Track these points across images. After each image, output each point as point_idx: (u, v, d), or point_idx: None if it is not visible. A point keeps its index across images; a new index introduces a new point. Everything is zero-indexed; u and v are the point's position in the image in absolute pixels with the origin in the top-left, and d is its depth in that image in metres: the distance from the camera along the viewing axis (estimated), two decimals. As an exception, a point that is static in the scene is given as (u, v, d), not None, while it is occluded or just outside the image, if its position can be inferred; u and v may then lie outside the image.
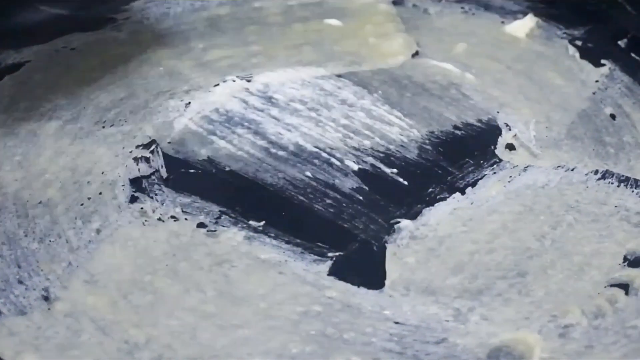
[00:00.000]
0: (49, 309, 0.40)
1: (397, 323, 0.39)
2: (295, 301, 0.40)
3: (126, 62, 0.56)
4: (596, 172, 0.47)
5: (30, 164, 0.48)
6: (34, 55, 0.56)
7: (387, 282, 0.41)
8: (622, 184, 0.46)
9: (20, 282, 0.41)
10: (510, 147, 0.48)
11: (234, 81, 0.54)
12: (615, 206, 0.45)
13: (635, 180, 0.46)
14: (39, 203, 0.45)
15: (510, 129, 0.49)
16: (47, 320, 0.40)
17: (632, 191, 0.46)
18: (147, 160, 0.48)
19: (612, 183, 0.46)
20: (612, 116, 0.50)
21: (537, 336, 0.38)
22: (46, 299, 0.40)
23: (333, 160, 0.48)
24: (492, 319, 0.39)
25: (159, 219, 0.44)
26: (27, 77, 0.54)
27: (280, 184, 0.46)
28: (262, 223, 0.44)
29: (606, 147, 0.48)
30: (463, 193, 0.46)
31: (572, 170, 0.47)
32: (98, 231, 0.44)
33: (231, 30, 0.59)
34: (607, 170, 0.47)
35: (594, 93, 0.52)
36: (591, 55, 0.55)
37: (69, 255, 0.43)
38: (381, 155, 0.48)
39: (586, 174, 0.47)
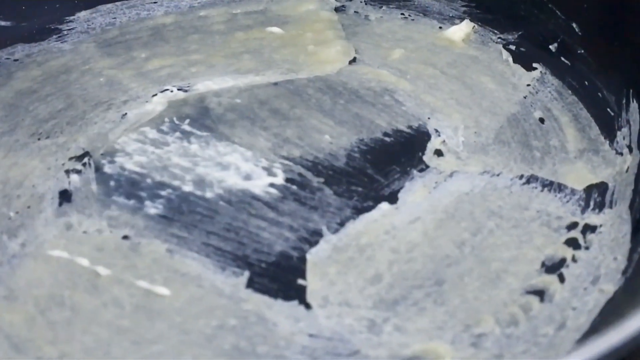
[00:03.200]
0: (-34, 326, 0.38)
1: (311, 336, 0.37)
2: (211, 314, 0.38)
3: (68, 73, 0.54)
4: (521, 176, 0.45)
5: (-37, 177, 0.46)
6: (-24, 68, 0.54)
7: (305, 294, 0.39)
8: (545, 189, 0.44)
9: (-60, 300, 0.39)
10: (439, 153, 0.46)
11: (172, 91, 0.52)
12: (537, 211, 0.43)
13: (559, 185, 0.44)
14: (-33, 217, 0.43)
15: (439, 135, 0.47)
16: (-36, 338, 0.38)
17: (555, 196, 0.44)
18: (78, 172, 0.46)
19: (536, 188, 0.44)
20: (541, 120, 0.49)
21: (448, 346, 0.36)
22: (-36, 316, 0.39)
23: (261, 169, 0.45)
24: (405, 329, 0.37)
25: (84, 232, 0.42)
26: (-33, 90, 0.52)
27: (207, 195, 0.44)
28: (185, 235, 0.42)
29: (532, 151, 0.47)
30: (387, 201, 0.43)
31: (498, 175, 0.45)
32: (23, 245, 0.42)
33: (174, 39, 0.57)
34: (532, 175, 0.45)
35: (524, 97, 0.50)
36: (523, 59, 0.53)
37: (-8, 270, 0.41)
38: (309, 164, 0.46)
39: (511, 179, 0.45)
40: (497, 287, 0.39)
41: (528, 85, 0.51)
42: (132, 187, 0.45)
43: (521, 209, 0.43)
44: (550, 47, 0.52)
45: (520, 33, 0.54)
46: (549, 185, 0.44)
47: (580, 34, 0.51)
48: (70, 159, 0.47)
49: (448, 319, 0.38)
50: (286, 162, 0.46)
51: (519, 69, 0.52)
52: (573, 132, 0.48)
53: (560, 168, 0.45)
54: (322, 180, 0.45)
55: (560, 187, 0.44)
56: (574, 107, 0.49)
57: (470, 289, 0.39)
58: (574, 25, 0.51)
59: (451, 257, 0.40)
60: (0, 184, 0.46)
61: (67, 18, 0.58)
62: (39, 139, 0.48)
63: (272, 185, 0.45)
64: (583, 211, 0.43)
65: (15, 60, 0.55)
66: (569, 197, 0.44)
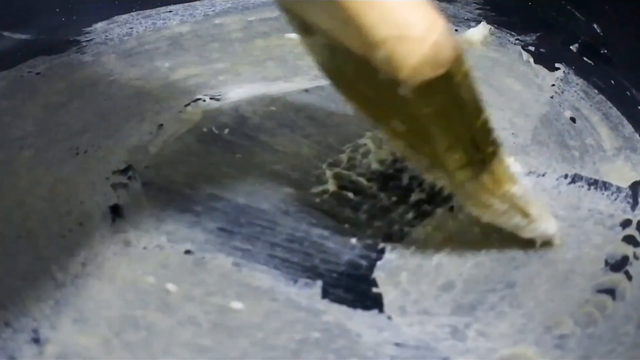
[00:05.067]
0: (40, 352, 0.35)
1: (397, 345, 0.35)
2: (292, 328, 0.36)
3: (93, 85, 0.51)
4: (566, 176, 0.44)
5: (6, 195, 0.42)
6: (0, 82, 0.50)
7: (382, 303, 0.37)
8: (592, 187, 0.43)
9: (7, 325, 0.36)
10: (482, 155, 0.44)
11: (204, 101, 0.49)
12: (589, 210, 0.42)
13: (604, 183, 0.43)
14: (19, 237, 0.40)
15: (478, 137, 0.46)
16: (39, 365, 0.35)
17: (602, 194, 0.43)
18: (124, 186, 0.43)
19: (582, 187, 0.43)
20: (572, 119, 0.47)
21: (535, 349, 0.35)
22: (36, 341, 0.35)
23: (311, 178, 0.43)
24: (488, 334, 0.36)
25: (144, 248, 0.40)
26: (-7, 105, 0.49)
27: (263, 207, 0.42)
28: (249, 248, 0.39)
29: (571, 150, 0.45)
30: (443, 206, 0.42)
31: (543, 175, 0.44)
32: (83, 265, 0.39)
33: (194, 48, 0.54)
34: (575, 174, 0.44)
35: (551, 97, 0.49)
36: (545, 60, 0.51)
37: (56, 292, 0.38)
38: (358, 170, 0.44)
39: (557, 179, 0.43)
40: (567, 287, 0.38)
41: (552, 85, 0.50)
42: (185, 200, 0.42)
43: (573, 208, 0.42)
44: (571, 47, 0.51)
45: (538, 34, 0.53)
46: (594, 184, 0.43)
47: (602, 34, 0.50)
48: (114, 172, 0.44)
49: (527, 322, 0.36)
50: (335, 169, 0.44)
51: (541, 69, 0.51)
52: (606, 130, 0.47)
53: (601, 167, 0.44)
54: (374, 186, 0.43)
55: (605, 185, 0.43)
56: (602, 106, 0.48)
57: (542, 290, 0.37)
58: (595, 26, 0.50)
59: (517, 260, 0.39)
60: (47, 201, 0.42)
61: (84, 29, 0.55)
62: (77, 154, 0.45)
63: (325, 193, 0.42)
64: (633, 208, 0.42)
65: (38, 73, 0.51)
66: (616, 195, 0.42)
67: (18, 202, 0.42)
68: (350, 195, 0.42)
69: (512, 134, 0.46)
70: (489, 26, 0.54)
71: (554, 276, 0.38)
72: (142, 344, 0.35)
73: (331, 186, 0.43)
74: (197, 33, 0.56)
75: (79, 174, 0.44)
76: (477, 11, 0.55)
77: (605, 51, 0.49)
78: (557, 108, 0.48)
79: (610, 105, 0.48)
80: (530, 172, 0.44)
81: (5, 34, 0.53)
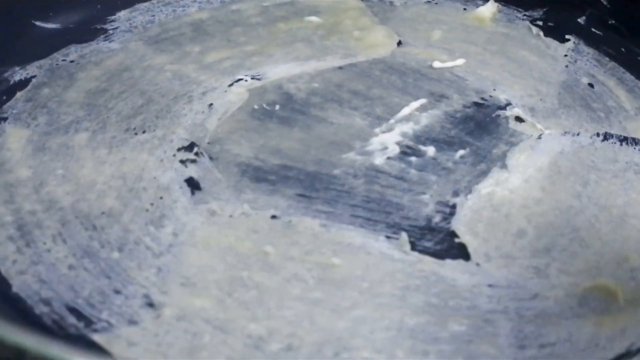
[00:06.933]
0: (158, 315, 0.37)
1: (490, 286, 0.39)
2: (393, 278, 0.39)
3: (130, 70, 0.52)
4: (598, 134, 0.48)
5: (76, 176, 0.44)
6: (38, 70, 0.52)
7: (467, 251, 0.41)
8: (623, 143, 0.48)
9: (117, 292, 0.38)
10: (519, 119, 0.49)
11: (246, 80, 0.51)
12: (626, 162, 0.46)
13: (633, 139, 0.48)
14: (102, 213, 0.42)
15: (511, 104, 0.50)
16: (162, 327, 0.37)
17: (634, 148, 0.47)
18: (193, 162, 0.45)
19: (615, 143, 0.48)
20: (591, 85, 0.52)
21: (613, 281, 0.39)
22: (151, 305, 0.37)
23: (371, 146, 0.46)
24: (568, 271, 0.40)
25: (231, 217, 0.42)
26: (36, 92, 0.50)
27: (333, 172, 0.45)
28: (331, 210, 0.42)
29: (596, 112, 0.50)
30: (498, 165, 0.46)
31: (578, 135, 0.48)
32: (174, 235, 0.41)
33: (219, 33, 0.56)
34: (606, 132, 0.48)
35: (566, 66, 0.54)
36: (554, 33, 0.56)
37: (155, 261, 0.40)
38: (412, 136, 0.47)
39: (590, 137, 0.48)
40: (625, 228, 0.42)
41: (565, 55, 0.55)
42: (257, 171, 0.45)
43: (611, 161, 0.46)
44: (579, 20, 0.56)
45: (545, 9, 0.57)
46: (625, 140, 0.48)
47: (609, 6, 0.55)
48: (179, 149, 0.46)
49: (599, 259, 0.40)
50: (391, 136, 0.47)
51: (552, 42, 0.56)
52: (624, 93, 0.51)
53: (627, 125, 0.49)
54: (431, 149, 0.46)
55: (635, 141, 0.48)
56: (616, 72, 0.53)
57: (604, 232, 0.42)
58: (602, -1, 0.55)
59: (575, 207, 0.43)
60: (120, 179, 0.44)
61: (109, 18, 0.57)
62: (135, 134, 0.47)
63: (389, 158, 0.46)
64: (664, 160, 0.47)
65: (72, 61, 0.53)
66: (647, 149, 0.47)
67: (90, 181, 0.44)
68: (412, 158, 0.46)
69: (540, 99, 0.51)
70: (496, 4, 0.58)
71: (611, 220, 0.43)
72: (256, 301, 0.38)
73: (392, 151, 0.46)
74: (218, 19, 0.58)
75: (144, 152, 0.46)
76: (484, -10, 0.60)
77: (614, 21, 0.54)
78: (574, 75, 0.53)
79: (624, 70, 0.53)
80: (565, 132, 0.48)
81: (37, 23, 0.54)
